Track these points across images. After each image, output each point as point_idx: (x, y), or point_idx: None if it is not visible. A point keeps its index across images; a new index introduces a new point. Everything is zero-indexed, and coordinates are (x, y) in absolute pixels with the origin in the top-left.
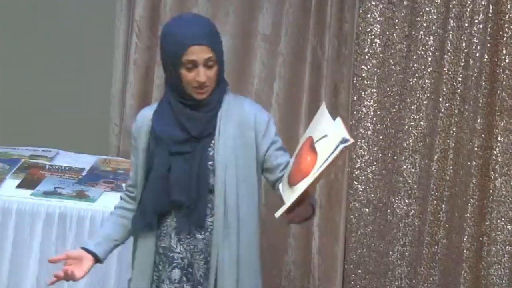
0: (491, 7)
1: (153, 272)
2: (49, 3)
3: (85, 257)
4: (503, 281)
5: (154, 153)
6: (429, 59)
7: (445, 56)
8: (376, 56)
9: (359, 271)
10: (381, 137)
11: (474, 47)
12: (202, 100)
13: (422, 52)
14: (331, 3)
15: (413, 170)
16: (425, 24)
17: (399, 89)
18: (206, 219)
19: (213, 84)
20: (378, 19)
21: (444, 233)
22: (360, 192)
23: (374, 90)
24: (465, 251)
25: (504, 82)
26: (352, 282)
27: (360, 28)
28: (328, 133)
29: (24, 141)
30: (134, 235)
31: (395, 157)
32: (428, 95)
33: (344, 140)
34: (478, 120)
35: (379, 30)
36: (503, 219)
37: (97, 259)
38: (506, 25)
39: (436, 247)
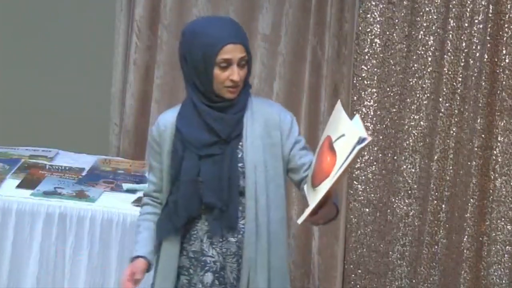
0: (491, 7)
1: (181, 276)
2: (49, 3)
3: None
4: (503, 281)
5: (183, 156)
6: (429, 59)
7: (445, 56)
8: (376, 56)
9: (359, 271)
10: (381, 137)
11: (474, 47)
12: (230, 101)
13: (422, 52)
14: (331, 3)
15: (413, 170)
16: (425, 24)
17: (399, 89)
18: (238, 222)
19: (242, 85)
20: (378, 19)
21: (444, 233)
22: (360, 192)
23: (374, 90)
24: (465, 251)
25: (504, 82)
26: (352, 282)
27: (360, 28)
28: (345, 132)
29: (24, 141)
30: (159, 239)
31: (395, 157)
32: (428, 95)
33: (360, 140)
34: (478, 120)
35: (379, 30)
36: (503, 219)
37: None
38: (506, 25)
39: (436, 247)
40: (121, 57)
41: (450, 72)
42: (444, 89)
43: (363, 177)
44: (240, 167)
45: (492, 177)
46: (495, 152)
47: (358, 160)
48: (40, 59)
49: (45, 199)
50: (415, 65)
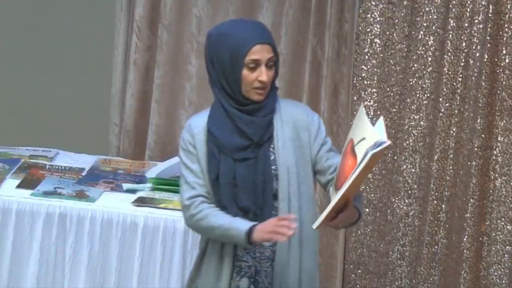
0: (491, 7)
1: (229, 279)
2: (49, 3)
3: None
4: (503, 281)
5: (219, 160)
6: (429, 59)
7: (445, 56)
8: (376, 56)
9: (359, 271)
10: None
11: (474, 47)
12: (259, 103)
13: (422, 52)
14: (331, 3)
15: (413, 170)
16: (425, 24)
17: (399, 89)
18: None
19: (269, 87)
20: (378, 19)
21: (444, 233)
22: None
23: (374, 90)
24: (465, 251)
25: (504, 82)
26: (352, 282)
27: (360, 28)
28: (366, 136)
29: (24, 141)
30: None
31: (395, 157)
32: (428, 95)
33: (376, 145)
34: (478, 120)
35: (379, 30)
36: (503, 219)
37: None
38: (506, 25)
39: (436, 247)
40: (121, 57)
41: (450, 72)
42: (444, 89)
43: None
44: (273, 170)
45: (492, 177)
46: (495, 152)
47: None
48: (40, 59)
49: (45, 199)
50: (415, 65)
